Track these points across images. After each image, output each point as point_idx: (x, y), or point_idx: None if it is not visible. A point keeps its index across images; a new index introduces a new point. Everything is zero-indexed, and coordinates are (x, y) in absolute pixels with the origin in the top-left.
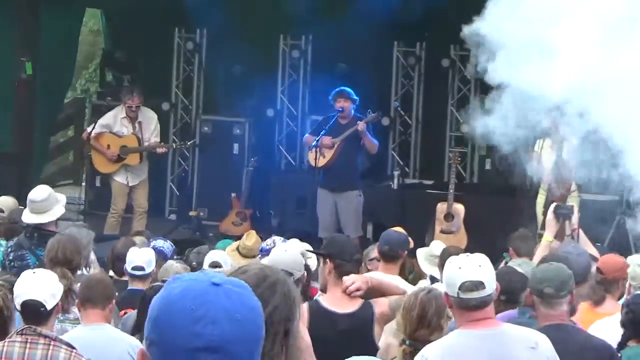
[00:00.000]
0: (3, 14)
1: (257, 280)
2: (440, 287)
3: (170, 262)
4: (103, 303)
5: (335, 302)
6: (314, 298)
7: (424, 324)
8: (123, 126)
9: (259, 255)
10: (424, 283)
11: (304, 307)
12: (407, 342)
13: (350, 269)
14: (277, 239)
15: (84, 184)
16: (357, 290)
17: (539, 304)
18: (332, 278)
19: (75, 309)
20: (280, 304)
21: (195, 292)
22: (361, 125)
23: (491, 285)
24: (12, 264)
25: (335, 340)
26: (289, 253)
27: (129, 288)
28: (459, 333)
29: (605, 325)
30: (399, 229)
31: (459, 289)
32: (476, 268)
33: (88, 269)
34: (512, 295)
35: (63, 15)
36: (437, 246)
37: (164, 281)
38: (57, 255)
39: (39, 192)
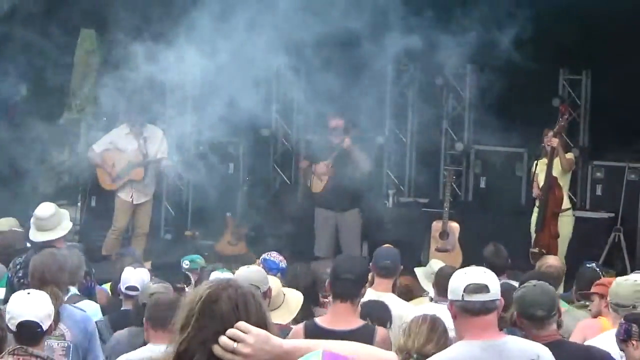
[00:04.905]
0: None
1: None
2: (440, 313)
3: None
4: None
5: (333, 321)
6: (312, 319)
7: (432, 339)
8: (128, 142)
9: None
10: (426, 301)
11: (300, 327)
12: (415, 356)
13: (344, 289)
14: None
15: (79, 204)
16: None
17: (530, 326)
18: (330, 298)
19: (61, 325)
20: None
21: None
22: (346, 142)
23: (496, 292)
24: (22, 280)
25: None
26: (252, 269)
27: (122, 308)
28: (463, 344)
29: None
30: (388, 245)
31: (464, 291)
32: (481, 274)
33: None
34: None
35: (58, 36)
36: (436, 264)
37: (144, 304)
38: (44, 275)
39: (46, 210)
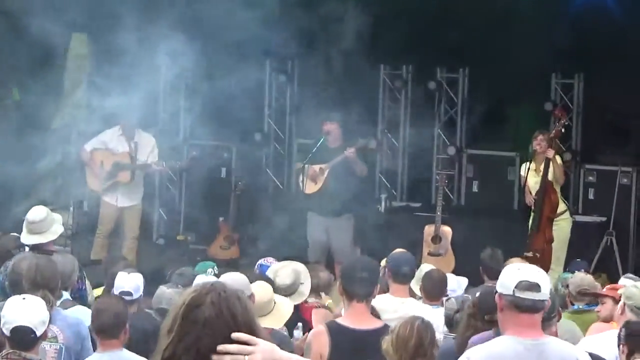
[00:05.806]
0: None
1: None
2: (430, 317)
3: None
4: (117, 331)
5: (354, 321)
6: (333, 320)
7: (420, 353)
8: (119, 144)
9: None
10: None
11: (322, 327)
12: None
13: (361, 288)
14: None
15: (71, 208)
16: None
17: None
18: (344, 299)
19: (53, 327)
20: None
21: None
22: (349, 153)
23: (546, 292)
24: None
25: (358, 354)
26: (235, 275)
27: None
28: (506, 338)
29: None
30: (402, 250)
31: (516, 287)
32: (535, 272)
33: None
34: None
35: (49, 41)
36: (426, 268)
37: (158, 309)
38: (36, 279)
39: (37, 213)
